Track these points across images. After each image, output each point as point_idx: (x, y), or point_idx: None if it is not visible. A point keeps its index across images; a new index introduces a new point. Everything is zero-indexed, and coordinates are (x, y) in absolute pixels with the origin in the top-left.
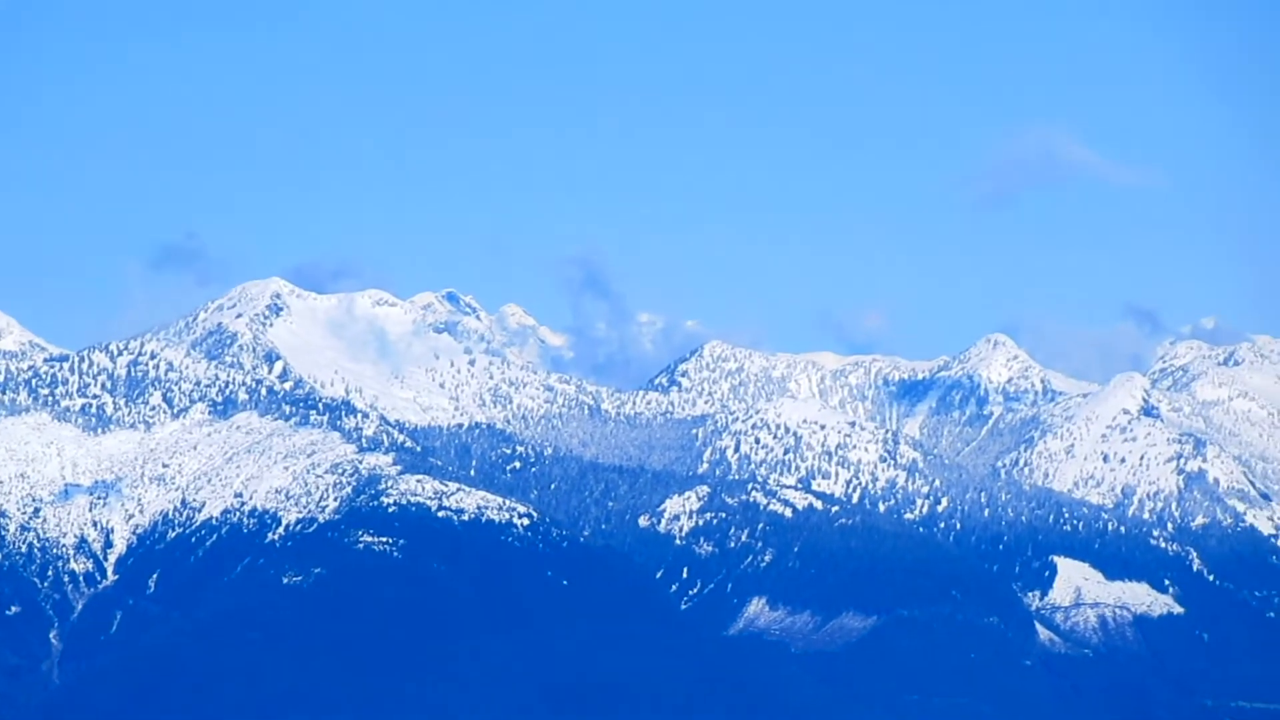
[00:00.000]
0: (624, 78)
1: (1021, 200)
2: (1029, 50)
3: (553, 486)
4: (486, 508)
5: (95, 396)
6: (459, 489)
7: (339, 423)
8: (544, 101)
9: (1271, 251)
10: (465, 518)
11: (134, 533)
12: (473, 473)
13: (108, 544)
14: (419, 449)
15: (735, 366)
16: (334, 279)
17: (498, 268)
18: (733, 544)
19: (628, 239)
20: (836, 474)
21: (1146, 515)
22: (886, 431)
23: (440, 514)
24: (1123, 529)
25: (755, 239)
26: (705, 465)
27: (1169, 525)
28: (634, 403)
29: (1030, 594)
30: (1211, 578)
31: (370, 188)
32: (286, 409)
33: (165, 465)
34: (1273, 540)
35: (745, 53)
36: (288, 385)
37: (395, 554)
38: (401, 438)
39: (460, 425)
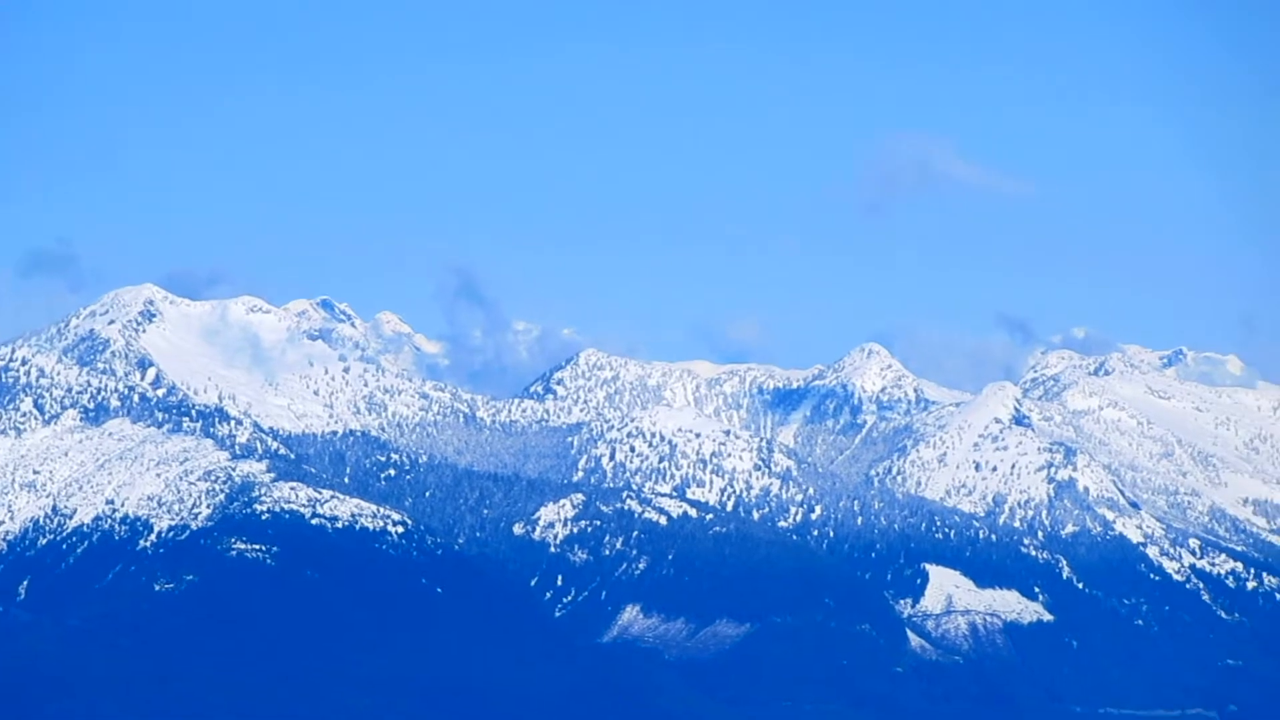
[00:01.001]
0: (496, 88)
1: (896, 210)
2: (905, 60)
3: (427, 494)
4: (361, 515)
5: None
6: (333, 496)
7: (212, 430)
8: (418, 111)
9: (1140, 262)
10: (339, 525)
11: (4, 539)
12: (347, 480)
13: None
14: (293, 456)
15: (611, 375)
16: (208, 286)
17: (373, 275)
18: (607, 552)
19: (503, 247)
20: (711, 482)
21: (1017, 523)
22: (761, 440)
23: (314, 521)
24: (994, 537)
25: (631, 248)
26: (580, 473)
27: (1039, 533)
28: (509, 410)
29: (902, 601)
30: (1081, 585)
31: (244, 194)
32: (159, 416)
33: (36, 472)
34: (1141, 549)
35: (619, 61)
36: (160, 392)
37: (268, 561)
38: (275, 445)
39: (334, 433)
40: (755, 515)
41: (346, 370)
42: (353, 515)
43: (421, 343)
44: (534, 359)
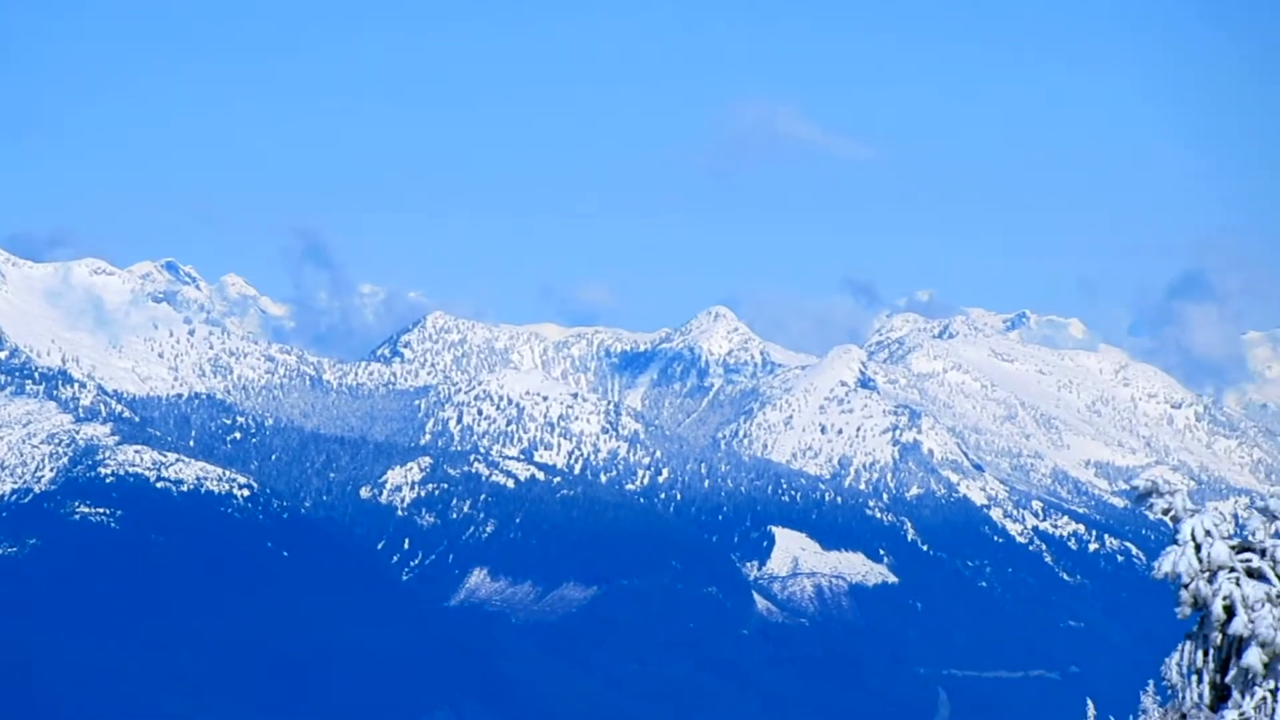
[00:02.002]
0: (342, 53)
1: (742, 173)
2: (751, 24)
3: (273, 457)
4: (206, 478)
5: None
6: (178, 459)
7: (55, 392)
8: (264, 74)
9: (984, 226)
10: (184, 489)
11: None
12: (192, 443)
13: None
14: (137, 419)
15: (458, 338)
16: (50, 247)
17: (218, 237)
18: (454, 515)
19: (349, 210)
20: (559, 445)
21: (862, 486)
22: (608, 403)
23: (159, 485)
24: (839, 499)
25: (478, 210)
26: (427, 436)
27: (884, 496)
28: (356, 374)
29: (749, 564)
30: (925, 547)
31: (88, 155)
32: (1, 379)
33: None
34: (985, 510)
35: (468, 28)
36: (2, 355)
37: (113, 525)
38: (119, 408)
39: (179, 395)
40: (603, 478)
41: (191, 333)
42: (198, 478)
43: (267, 305)
44: (380, 322)
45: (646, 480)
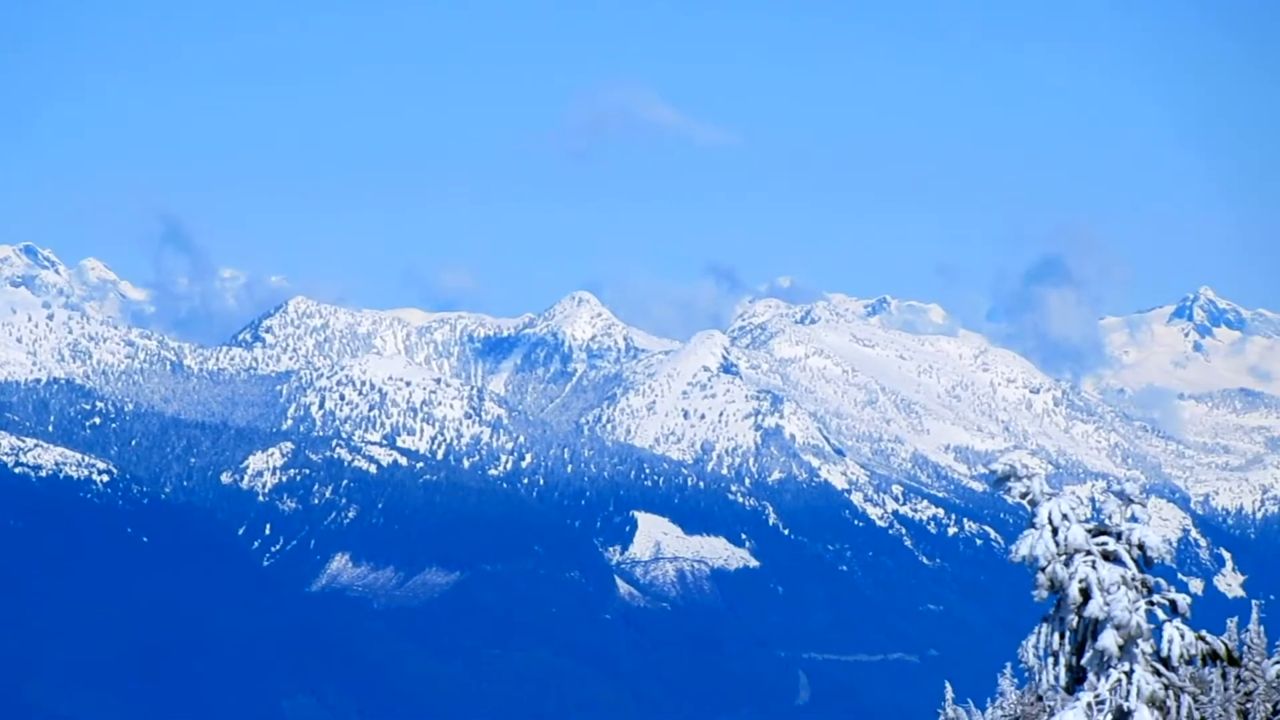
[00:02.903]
0: (204, 36)
1: (604, 158)
2: (611, 9)
3: (134, 443)
4: (65, 464)
5: None
6: (36, 445)
7: None
8: (126, 56)
9: (845, 212)
10: (43, 474)
11: None
12: (51, 429)
13: None
14: None
15: (320, 323)
16: None
17: (77, 221)
18: (316, 500)
19: (210, 193)
20: (422, 430)
21: (725, 470)
22: (472, 388)
23: (17, 470)
24: (702, 484)
25: (341, 195)
26: (289, 422)
27: (746, 480)
28: (217, 359)
29: (611, 548)
30: (787, 532)
31: None
32: None
33: None
34: (846, 495)
35: (327, 12)
36: None
37: None
38: None
39: (38, 380)
40: (466, 463)
41: (50, 317)
42: (57, 464)
43: (127, 290)
44: (242, 306)
45: (509, 465)
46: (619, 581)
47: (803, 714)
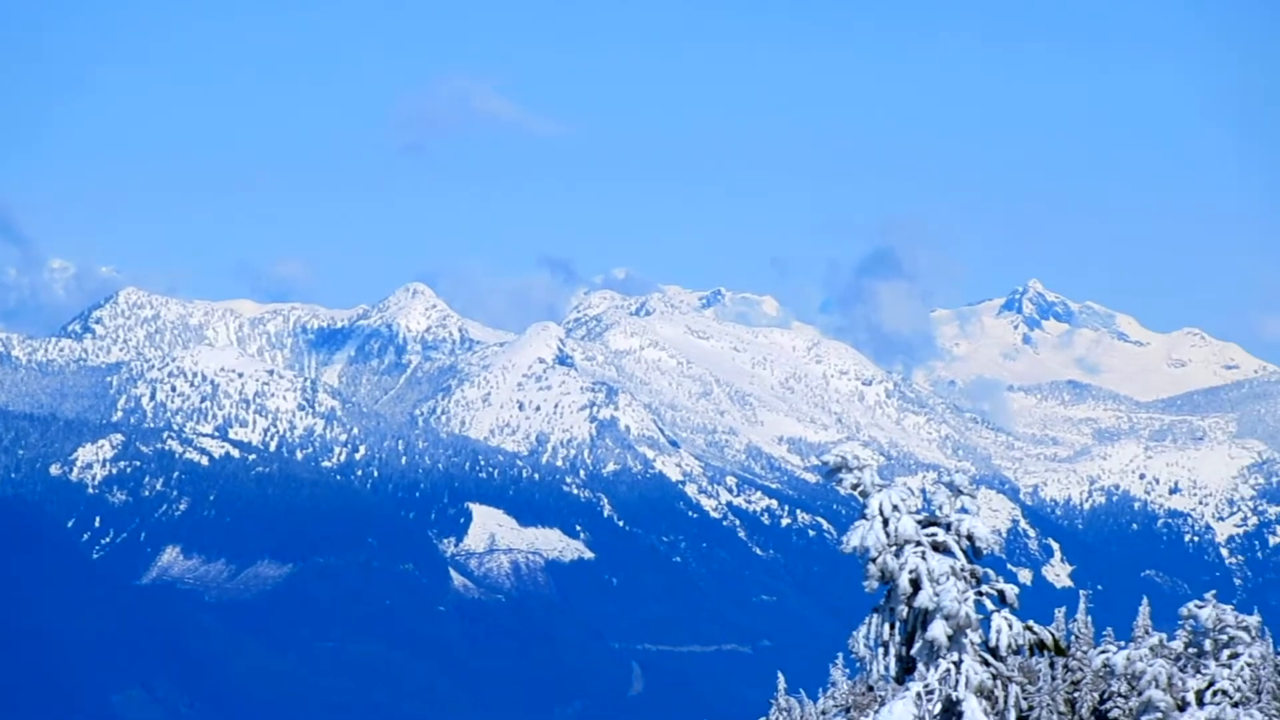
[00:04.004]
0: (31, 22)
1: (439, 149)
2: (446, 0)
3: None
4: None
5: None
6: None
7: None
8: None
9: (679, 204)
10: None
11: None
12: None
13: None
14: None
15: (151, 314)
16: None
17: None
18: (147, 492)
19: (38, 182)
20: (254, 422)
21: (560, 462)
22: (305, 380)
23: None
24: (536, 476)
25: (172, 185)
26: (120, 413)
27: (581, 472)
28: (46, 349)
29: (446, 540)
30: (621, 523)
31: None
32: None
33: None
34: (681, 486)
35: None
36: None
37: None
38: None
39: None
40: (299, 455)
41: None
42: None
43: None
44: (71, 297)
45: (343, 457)
46: (453, 574)
47: (636, 705)
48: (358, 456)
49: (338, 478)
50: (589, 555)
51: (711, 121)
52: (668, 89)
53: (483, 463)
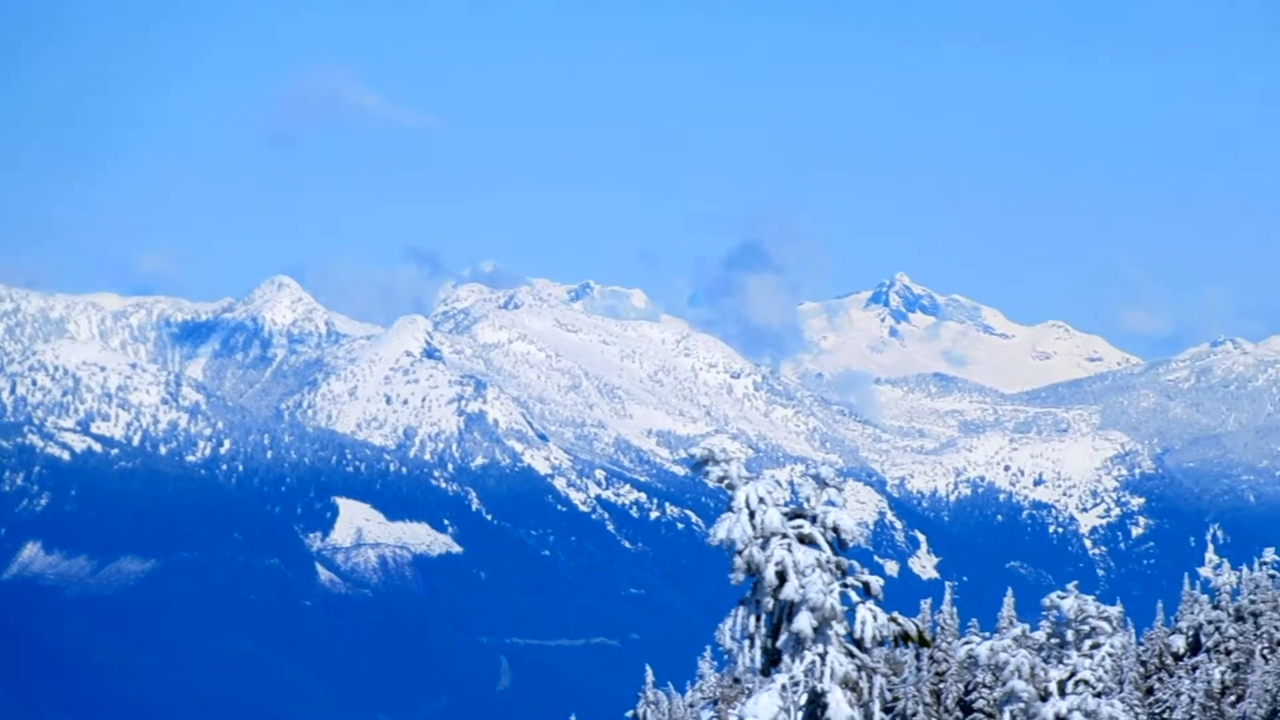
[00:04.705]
0: None
1: (306, 141)
2: None
3: None
4: None
5: None
6: None
7: None
8: None
9: (547, 196)
10: None
11: None
12: None
13: None
14: None
15: (11, 307)
16: None
17: None
18: (7, 488)
19: None
20: (117, 416)
21: (428, 456)
22: (169, 374)
23: None
24: (404, 470)
25: (30, 174)
26: None
27: (449, 466)
28: None
29: (312, 535)
30: (490, 517)
31: None
32: None
33: None
34: (549, 480)
35: None
36: None
37: None
38: None
39: None
40: (162, 450)
41: None
42: None
43: None
44: None
45: (208, 451)
46: (320, 568)
47: (504, 699)
48: (222, 451)
49: (202, 472)
50: (457, 549)
51: (579, 115)
52: (535, 82)
53: (349, 457)
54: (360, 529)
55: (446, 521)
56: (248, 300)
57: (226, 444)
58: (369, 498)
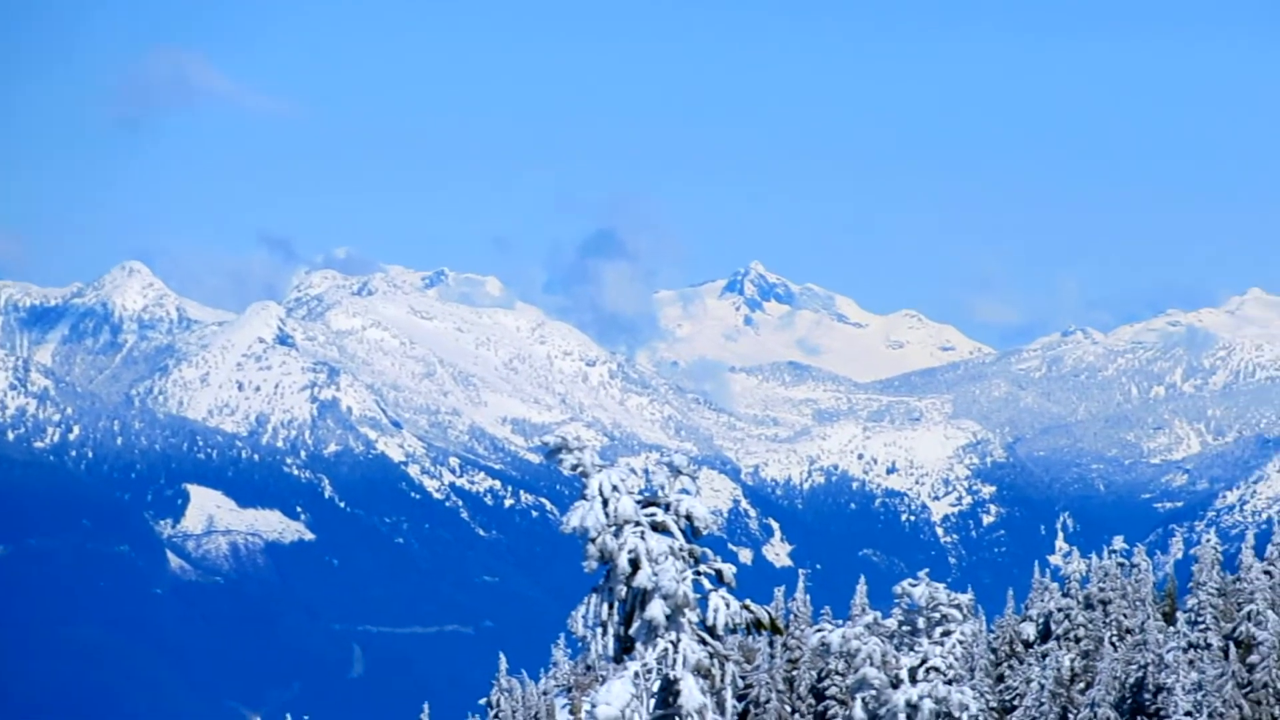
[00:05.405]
0: None
1: (156, 125)
2: None
3: None
4: None
5: None
6: None
7: None
8: None
9: (401, 183)
10: None
11: None
12: None
13: None
14: None
15: None
16: None
17: None
18: None
19: None
20: None
21: (280, 443)
22: (17, 359)
23: None
24: (256, 457)
25: None
26: None
27: (302, 453)
28: None
29: (162, 522)
30: (343, 504)
31: None
32: None
33: None
34: (403, 467)
35: None
36: None
37: None
38: None
39: None
40: (10, 436)
41: None
42: None
43: None
44: None
45: (57, 438)
46: (170, 555)
47: (357, 686)
48: (71, 437)
49: (51, 459)
50: (310, 537)
51: (434, 100)
52: (389, 68)
53: (201, 443)
54: (212, 516)
55: (299, 509)
56: (98, 285)
57: (76, 430)
58: (220, 485)
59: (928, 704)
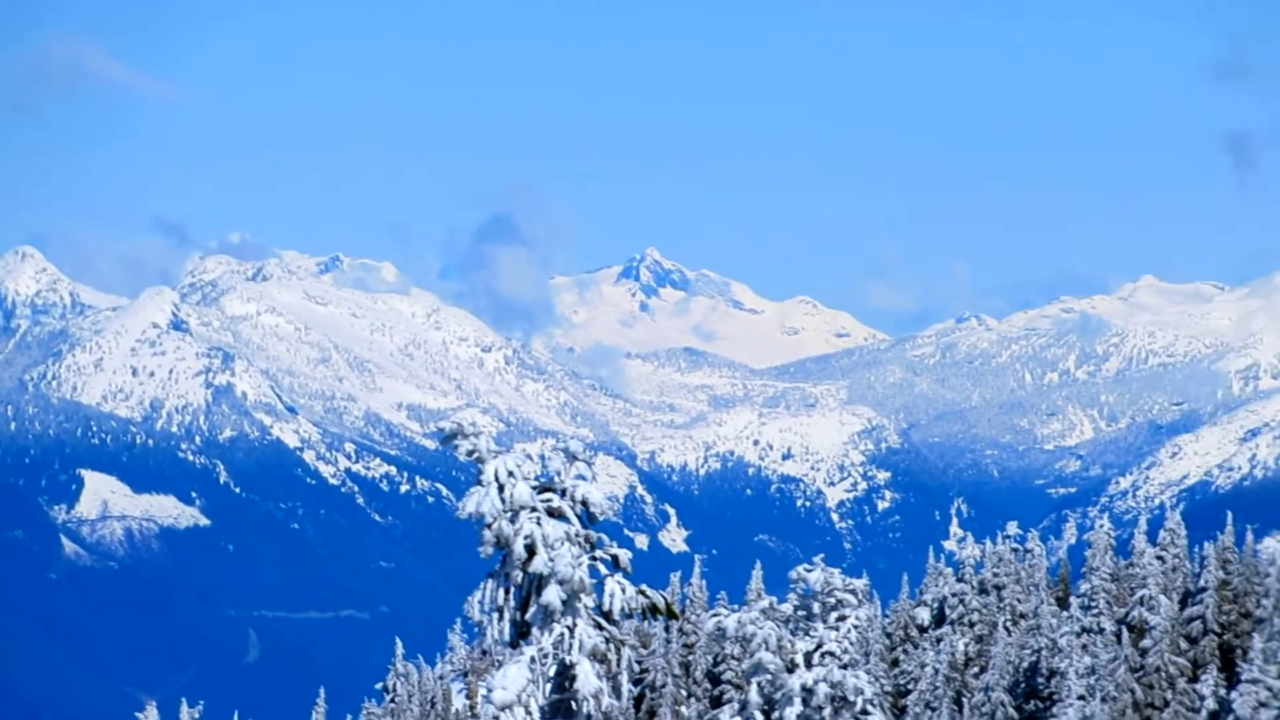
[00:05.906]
0: None
1: (48, 111)
2: None
3: None
4: None
5: None
6: None
7: None
8: None
9: (296, 168)
10: None
11: None
12: None
13: None
14: None
15: None
16: None
17: None
18: None
19: None
20: None
21: (175, 428)
22: None
23: None
24: (151, 442)
25: None
26: None
27: (197, 438)
28: None
29: (56, 507)
30: (238, 490)
31: None
32: None
33: None
34: (298, 453)
35: None
36: None
37: None
38: None
39: None
40: None
41: None
42: None
43: None
44: None
45: None
46: (65, 541)
47: (252, 672)
48: None
49: None
50: (205, 522)
51: (329, 86)
52: (283, 53)
53: (95, 429)
54: (106, 501)
55: (194, 494)
56: None
57: None
58: (115, 470)
59: (823, 688)
